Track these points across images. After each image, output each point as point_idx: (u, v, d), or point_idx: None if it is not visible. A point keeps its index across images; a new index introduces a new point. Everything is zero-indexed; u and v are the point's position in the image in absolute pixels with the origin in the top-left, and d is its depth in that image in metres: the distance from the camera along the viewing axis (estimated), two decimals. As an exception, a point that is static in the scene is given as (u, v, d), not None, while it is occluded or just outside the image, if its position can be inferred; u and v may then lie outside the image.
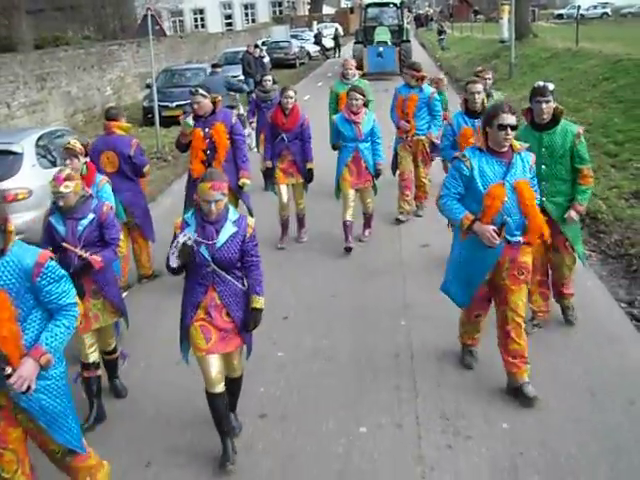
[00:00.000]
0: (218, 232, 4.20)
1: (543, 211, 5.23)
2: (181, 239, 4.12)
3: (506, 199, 4.53)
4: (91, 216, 4.78)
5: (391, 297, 6.86)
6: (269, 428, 4.82)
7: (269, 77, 11.12)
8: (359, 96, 7.93)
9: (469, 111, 7.07)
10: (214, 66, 15.46)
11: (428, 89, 8.88)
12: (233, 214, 4.31)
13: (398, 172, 9.11)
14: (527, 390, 4.79)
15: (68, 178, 4.65)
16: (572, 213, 5.56)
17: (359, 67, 26.08)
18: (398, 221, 9.05)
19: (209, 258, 4.19)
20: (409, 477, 4.18)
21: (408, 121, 8.74)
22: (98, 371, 5.09)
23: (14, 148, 8.82)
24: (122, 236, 4.86)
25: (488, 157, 4.62)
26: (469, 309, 5.12)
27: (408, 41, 27.34)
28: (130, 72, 22.98)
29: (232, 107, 14.12)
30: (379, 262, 7.87)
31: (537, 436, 4.53)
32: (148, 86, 19.14)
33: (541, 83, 5.53)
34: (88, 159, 5.92)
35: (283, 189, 8.39)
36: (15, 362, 3.21)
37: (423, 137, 8.84)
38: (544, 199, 5.44)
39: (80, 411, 4.14)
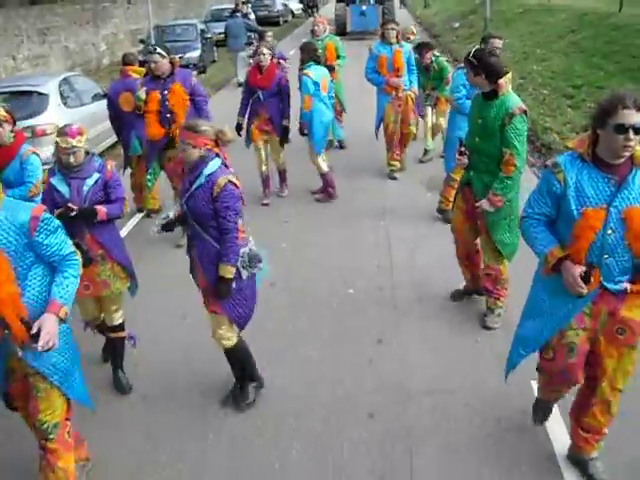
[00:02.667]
0: (192, 183, 4.15)
1: (469, 185, 5.20)
2: (169, 215, 4.34)
3: (609, 231, 3.26)
4: (96, 175, 4.49)
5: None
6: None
7: (270, 33, 11.69)
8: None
9: None
10: (234, 10, 18.51)
11: (406, 45, 8.87)
12: (210, 168, 4.11)
13: (387, 131, 8.96)
14: (594, 469, 3.77)
15: (80, 131, 4.37)
16: (483, 203, 5.05)
17: (340, 26, 26.55)
18: (392, 178, 9.07)
19: (187, 211, 4.20)
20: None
21: (398, 77, 8.62)
22: (123, 333, 4.91)
23: (41, 89, 10.04)
24: (126, 195, 4.66)
25: (592, 170, 3.30)
26: (557, 376, 3.70)
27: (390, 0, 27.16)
28: (122, 29, 23.87)
29: (250, 44, 15.93)
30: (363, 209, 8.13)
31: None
32: (142, 41, 20.15)
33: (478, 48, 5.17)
34: (16, 127, 5.31)
35: (260, 146, 8.34)
36: (12, 323, 3.09)
37: (410, 93, 8.76)
38: (472, 173, 5.17)
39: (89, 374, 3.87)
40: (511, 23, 22.43)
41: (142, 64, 9.69)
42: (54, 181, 4.47)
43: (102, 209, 4.46)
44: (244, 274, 4.19)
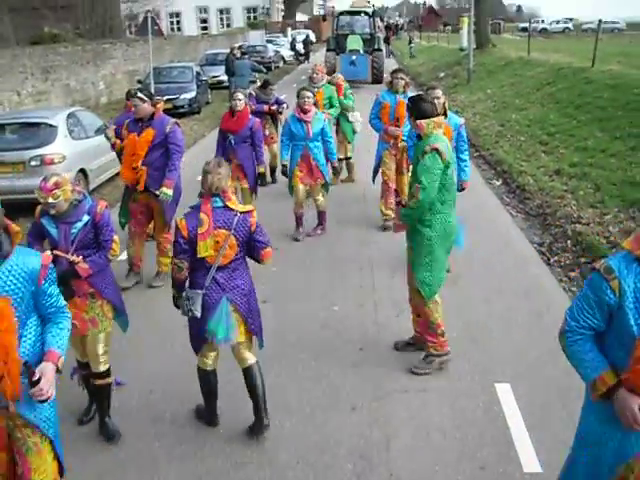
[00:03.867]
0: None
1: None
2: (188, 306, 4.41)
3: None
4: (85, 218, 4.45)
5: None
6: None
7: (274, 86, 12.23)
8: (309, 95, 8.20)
9: None
10: (243, 53, 21.41)
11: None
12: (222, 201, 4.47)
13: (383, 179, 8.98)
14: None
15: (56, 186, 4.28)
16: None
17: (330, 74, 27.28)
18: (385, 229, 8.79)
19: None
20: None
21: (398, 126, 8.63)
22: (109, 379, 4.75)
23: (50, 122, 10.75)
24: (116, 238, 4.59)
25: None
26: None
27: (380, 50, 27.76)
28: (120, 69, 24.73)
29: (253, 82, 17.51)
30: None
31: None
32: (139, 82, 20.97)
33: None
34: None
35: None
36: (5, 375, 2.98)
37: (405, 144, 8.48)
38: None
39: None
40: (493, 74, 23.54)
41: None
42: (44, 221, 4.50)
43: (84, 267, 4.42)
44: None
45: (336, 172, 8.52)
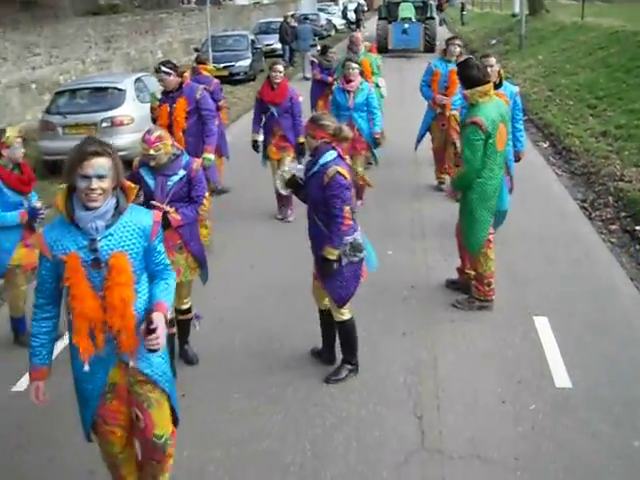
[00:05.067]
0: (309, 170, 4.68)
1: None
2: (282, 171, 4.75)
3: None
4: (181, 172, 4.70)
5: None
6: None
7: (334, 49, 11.90)
8: (355, 66, 8.13)
9: None
10: (305, 18, 23.33)
11: None
12: (325, 157, 4.54)
13: (432, 147, 9.21)
14: None
15: (159, 139, 4.56)
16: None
17: (381, 45, 26.60)
18: (439, 190, 9.04)
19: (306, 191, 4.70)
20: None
21: (446, 95, 8.71)
22: (173, 329, 5.06)
23: (119, 86, 11.51)
24: (207, 195, 4.86)
25: None
26: None
27: (432, 18, 27.19)
28: (177, 38, 25.44)
29: (313, 45, 19.41)
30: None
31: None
32: (196, 50, 21.63)
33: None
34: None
35: (276, 164, 8.18)
36: (122, 330, 3.08)
37: (455, 113, 8.61)
38: None
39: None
40: (545, 40, 23.51)
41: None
42: (142, 172, 4.76)
43: (176, 217, 4.67)
44: (344, 261, 4.61)
45: (378, 144, 8.35)
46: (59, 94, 11.97)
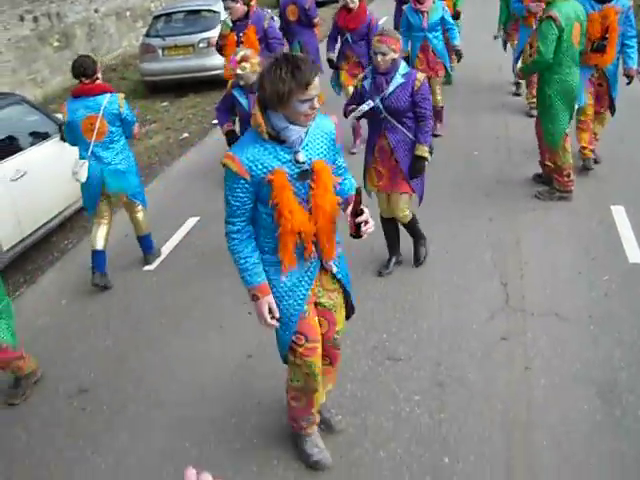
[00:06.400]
0: (388, 83, 4.71)
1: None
2: (361, 107, 4.79)
3: None
4: None
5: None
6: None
7: None
8: None
9: None
10: None
11: None
12: (403, 68, 4.73)
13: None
14: None
15: (243, 59, 4.86)
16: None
17: None
18: (530, 116, 8.46)
19: (381, 106, 4.75)
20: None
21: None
22: None
23: (214, 8, 12.14)
24: None
25: None
26: None
27: None
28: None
29: None
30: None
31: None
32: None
33: None
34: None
35: (350, 91, 7.54)
36: (328, 238, 3.13)
37: None
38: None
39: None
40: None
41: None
42: (236, 93, 5.24)
43: None
44: (430, 158, 4.98)
45: (460, 56, 8.12)
46: (157, 18, 12.74)
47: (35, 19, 13.27)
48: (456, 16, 9.24)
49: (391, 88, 4.68)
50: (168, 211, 7.33)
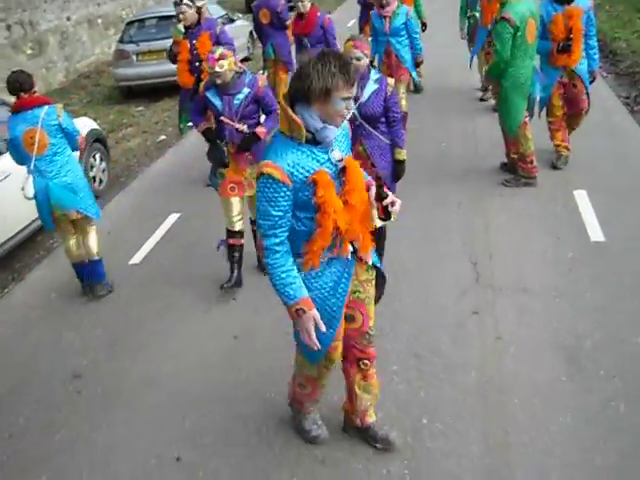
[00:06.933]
0: (362, 89, 4.65)
1: None
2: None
3: None
4: (246, 90, 4.94)
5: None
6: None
7: None
8: None
9: None
10: None
11: None
12: (374, 74, 4.77)
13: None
14: None
15: (221, 57, 4.77)
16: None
17: None
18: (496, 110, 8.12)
19: (356, 113, 4.66)
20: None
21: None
22: (242, 240, 5.41)
23: (186, 13, 12.33)
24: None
25: None
26: None
27: None
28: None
29: None
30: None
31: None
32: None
33: None
34: None
35: None
36: (360, 232, 3.13)
37: None
38: None
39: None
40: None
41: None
42: (209, 94, 5.04)
43: (261, 129, 5.01)
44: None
45: (418, 64, 8.11)
46: (130, 24, 12.93)
47: (8, 27, 13.39)
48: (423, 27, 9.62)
49: (366, 95, 4.69)
50: (149, 208, 7.55)
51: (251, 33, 15.40)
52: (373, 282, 3.36)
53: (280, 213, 2.88)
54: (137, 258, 6.39)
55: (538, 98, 6.75)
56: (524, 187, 6.69)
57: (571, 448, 3.58)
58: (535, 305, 4.85)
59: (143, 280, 5.98)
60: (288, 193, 2.85)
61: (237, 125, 4.96)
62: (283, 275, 2.94)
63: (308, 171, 2.87)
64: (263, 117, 5.18)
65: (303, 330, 2.99)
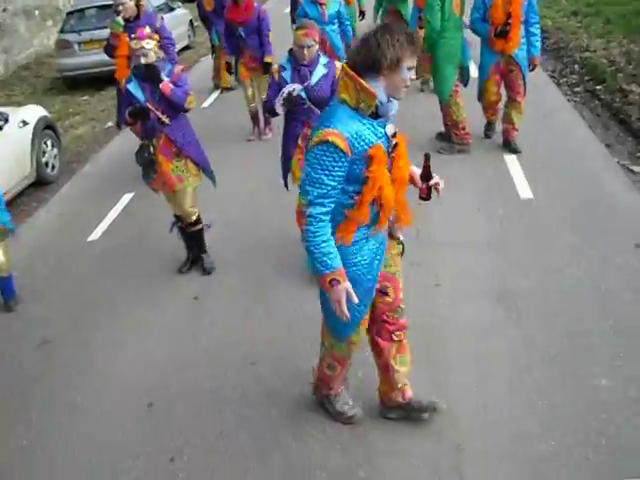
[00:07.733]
0: (311, 73, 4.81)
1: None
2: (286, 90, 4.77)
3: None
4: (166, 79, 4.98)
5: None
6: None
7: None
8: None
9: None
10: None
11: None
12: (324, 59, 4.89)
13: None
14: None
15: (149, 36, 4.89)
16: None
17: None
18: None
19: (305, 97, 4.80)
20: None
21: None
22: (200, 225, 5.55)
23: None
24: (192, 94, 5.07)
25: None
26: None
27: None
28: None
29: None
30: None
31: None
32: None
33: None
34: None
35: (247, 83, 8.27)
36: (402, 207, 3.22)
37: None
38: None
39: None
40: None
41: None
42: (130, 87, 5.02)
43: (167, 83, 4.94)
44: None
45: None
46: (70, 14, 12.97)
47: (-56, 21, 13.28)
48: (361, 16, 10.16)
49: (315, 78, 4.78)
50: (103, 189, 7.78)
51: (191, 22, 15.59)
52: (400, 257, 3.42)
53: (334, 183, 2.87)
54: (95, 235, 6.63)
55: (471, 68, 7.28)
56: (459, 154, 7.17)
57: (505, 369, 4.07)
58: (470, 257, 5.32)
59: (102, 255, 6.24)
60: (346, 164, 2.86)
61: (159, 114, 4.99)
62: (323, 245, 2.92)
63: (367, 144, 2.87)
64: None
65: (335, 301, 2.97)
